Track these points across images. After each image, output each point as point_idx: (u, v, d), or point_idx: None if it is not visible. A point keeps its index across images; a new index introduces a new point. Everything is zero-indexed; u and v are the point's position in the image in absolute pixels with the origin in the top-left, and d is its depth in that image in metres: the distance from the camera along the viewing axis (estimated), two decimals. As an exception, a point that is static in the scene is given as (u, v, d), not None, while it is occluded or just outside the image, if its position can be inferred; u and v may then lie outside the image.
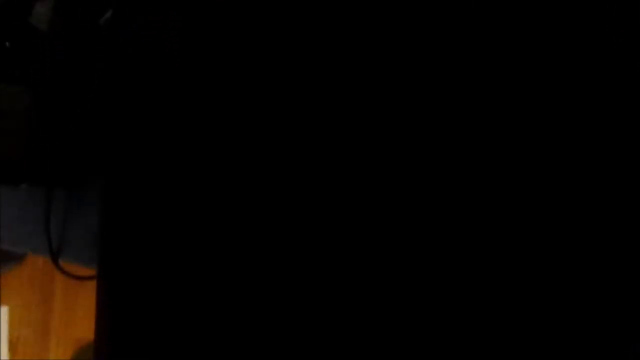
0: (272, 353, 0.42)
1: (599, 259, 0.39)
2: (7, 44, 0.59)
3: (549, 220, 0.40)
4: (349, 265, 0.42)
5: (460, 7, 0.43)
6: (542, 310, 0.39)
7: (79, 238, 0.61)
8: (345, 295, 0.42)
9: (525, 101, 0.42)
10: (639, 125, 0.39)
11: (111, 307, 0.50)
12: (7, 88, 0.58)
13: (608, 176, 0.40)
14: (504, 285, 0.40)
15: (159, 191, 0.46)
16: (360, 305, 0.42)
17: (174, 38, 0.48)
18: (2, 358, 1.16)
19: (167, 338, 0.45)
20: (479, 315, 0.40)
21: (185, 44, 0.48)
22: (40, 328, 1.18)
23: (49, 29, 0.59)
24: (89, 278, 0.62)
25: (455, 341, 0.40)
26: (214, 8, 0.47)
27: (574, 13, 0.41)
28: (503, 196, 0.41)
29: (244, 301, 0.43)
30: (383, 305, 0.42)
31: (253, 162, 0.45)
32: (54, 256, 0.60)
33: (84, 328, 1.17)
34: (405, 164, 0.43)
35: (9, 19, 0.58)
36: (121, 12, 0.53)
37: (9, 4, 0.57)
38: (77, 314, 1.17)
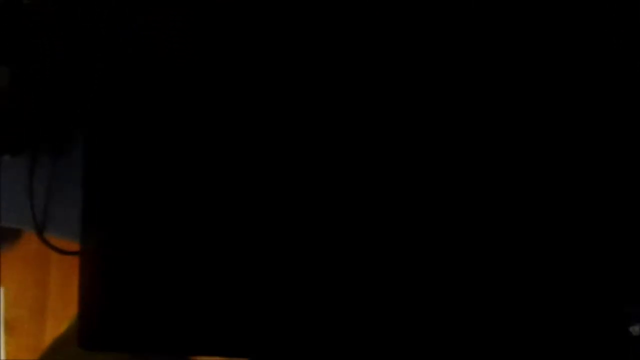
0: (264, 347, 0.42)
1: (597, 259, 0.39)
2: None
3: (542, 219, 0.40)
4: (347, 263, 0.42)
5: (460, 8, 0.42)
6: (535, 307, 0.39)
7: (64, 212, 0.59)
8: (342, 293, 0.42)
9: (523, 101, 0.41)
10: (635, 125, 0.39)
11: (96, 283, 0.49)
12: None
13: (606, 176, 0.40)
14: (499, 285, 0.39)
15: (154, 186, 0.46)
16: (357, 302, 0.41)
17: (174, 38, 0.48)
18: (-1, 339, 1.15)
19: (154, 315, 0.44)
20: (475, 315, 0.40)
21: (185, 44, 0.48)
22: (36, 308, 1.17)
23: (32, 3, 0.57)
24: (75, 253, 0.60)
25: (451, 337, 0.40)
26: (213, 8, 0.47)
27: (573, 13, 0.41)
28: (500, 197, 0.41)
29: (239, 299, 0.43)
30: (380, 303, 0.41)
31: (250, 160, 0.44)
32: (39, 229, 0.58)
33: (81, 308, 1.16)
34: (404, 165, 0.42)
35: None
36: (121, 12, 0.52)
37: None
38: (74, 293, 1.15)
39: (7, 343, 1.16)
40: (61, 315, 1.16)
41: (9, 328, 1.16)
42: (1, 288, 1.16)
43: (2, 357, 1.15)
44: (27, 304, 1.17)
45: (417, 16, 0.42)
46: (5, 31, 0.56)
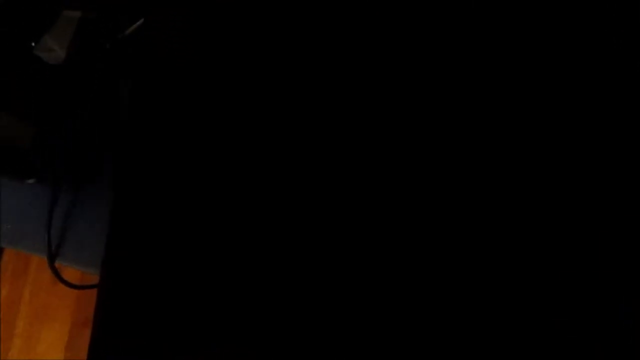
0: (271, 350, 0.42)
1: (598, 259, 0.38)
2: (33, 44, 0.59)
3: (540, 219, 0.39)
4: (347, 264, 0.41)
5: (460, 8, 0.43)
6: (533, 308, 0.38)
7: (77, 241, 0.60)
8: (343, 294, 0.41)
9: (523, 102, 0.41)
10: (636, 126, 0.39)
11: (113, 309, 0.48)
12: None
13: (606, 176, 0.39)
14: (498, 285, 0.39)
15: (163, 190, 0.46)
16: (357, 303, 0.41)
17: (174, 38, 0.48)
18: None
19: (170, 340, 0.43)
20: (474, 315, 0.39)
21: (185, 44, 0.48)
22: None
23: (65, 59, 0.58)
24: (88, 287, 0.60)
25: (450, 338, 0.39)
26: (214, 8, 0.47)
27: (573, 14, 0.41)
28: (500, 197, 0.40)
29: (247, 309, 0.42)
30: (380, 303, 0.40)
31: (253, 161, 0.44)
32: (51, 257, 0.58)
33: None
34: (405, 165, 0.42)
35: (13, 45, 0.57)
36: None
37: (13, 30, 0.57)
38: (38, 350, 1.11)
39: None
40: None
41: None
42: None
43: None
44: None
45: (419, 17, 0.43)
46: (27, 81, 0.58)
